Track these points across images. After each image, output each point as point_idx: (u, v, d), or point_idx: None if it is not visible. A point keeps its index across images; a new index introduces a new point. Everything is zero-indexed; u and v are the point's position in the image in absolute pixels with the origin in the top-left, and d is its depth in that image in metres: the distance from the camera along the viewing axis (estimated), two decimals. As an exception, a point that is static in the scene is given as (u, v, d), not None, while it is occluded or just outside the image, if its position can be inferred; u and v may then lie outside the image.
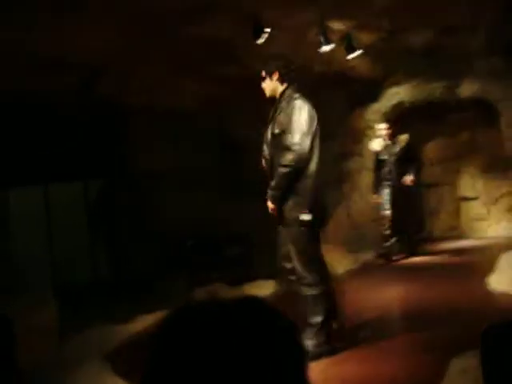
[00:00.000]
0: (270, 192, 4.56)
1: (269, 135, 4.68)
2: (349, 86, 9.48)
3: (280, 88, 4.68)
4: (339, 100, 9.73)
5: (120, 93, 8.04)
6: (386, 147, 9.36)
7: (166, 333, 0.89)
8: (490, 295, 6.31)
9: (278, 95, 4.69)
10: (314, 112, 4.57)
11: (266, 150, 4.71)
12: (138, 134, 8.94)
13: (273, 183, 4.54)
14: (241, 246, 8.92)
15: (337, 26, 7.52)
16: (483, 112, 10.35)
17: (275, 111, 4.67)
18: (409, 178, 9.31)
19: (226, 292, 6.77)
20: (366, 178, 10.14)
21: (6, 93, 7.28)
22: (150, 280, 8.03)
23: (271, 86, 4.71)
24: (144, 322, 6.04)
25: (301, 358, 0.91)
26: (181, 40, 7.05)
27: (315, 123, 4.55)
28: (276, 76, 4.68)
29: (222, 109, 9.22)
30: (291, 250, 4.60)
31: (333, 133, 9.56)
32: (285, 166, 4.43)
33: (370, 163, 10.02)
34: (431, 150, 11.32)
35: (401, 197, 9.30)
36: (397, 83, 9.62)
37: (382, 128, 9.38)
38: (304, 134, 4.43)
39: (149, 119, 8.74)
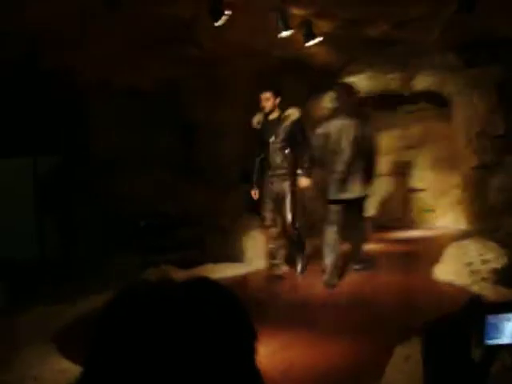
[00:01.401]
0: None
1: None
2: (307, 72, 9.49)
3: None
4: (298, 87, 9.75)
5: (76, 68, 7.86)
6: (267, 124, 6.97)
7: (111, 313, 0.87)
8: (435, 285, 6.46)
9: None
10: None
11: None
12: (94, 112, 8.77)
13: None
14: (193, 228, 8.87)
15: (296, 11, 7.51)
16: (436, 105, 10.56)
17: None
18: (304, 181, 6.98)
19: (177, 274, 6.74)
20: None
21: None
22: (100, 260, 7.93)
23: None
24: (93, 302, 5.96)
25: (250, 341, 0.90)
26: (141, 17, 6.93)
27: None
28: None
29: (180, 90, 9.12)
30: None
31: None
32: None
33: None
34: (383, 140, 11.49)
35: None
36: (353, 73, 9.69)
37: (265, 97, 6.91)
38: None
39: (106, 97, 8.58)
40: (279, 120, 6.94)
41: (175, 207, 8.80)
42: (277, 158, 6.95)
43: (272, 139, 6.93)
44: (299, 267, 7.33)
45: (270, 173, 7.03)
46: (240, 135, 9.18)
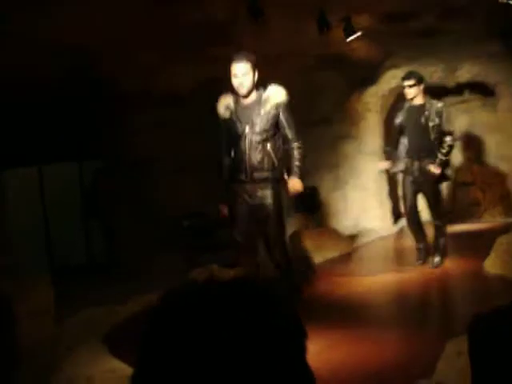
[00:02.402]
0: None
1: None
2: (347, 68, 9.42)
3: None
4: (337, 83, 9.68)
5: (116, 76, 7.98)
6: (242, 110, 5.15)
7: (161, 313, 0.87)
8: (485, 278, 6.33)
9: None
10: None
11: None
12: (134, 117, 8.89)
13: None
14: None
15: (336, 8, 7.45)
16: (481, 95, 10.34)
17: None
18: (296, 183, 5.02)
19: (222, 272, 6.77)
20: (362, 162, 10.13)
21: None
22: (146, 261, 8.03)
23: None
24: (140, 303, 6.04)
25: (300, 338, 0.89)
26: (178, 23, 6.99)
27: None
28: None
29: (217, 93, 9.15)
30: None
31: (331, 115, 9.53)
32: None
33: (366, 147, 9.99)
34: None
35: None
36: (395, 66, 9.56)
37: (241, 71, 5.16)
38: None
39: (145, 103, 8.69)
40: (258, 103, 4.99)
41: (215, 208, 8.84)
42: (254, 157, 4.94)
43: (247, 130, 4.94)
44: None
45: (243, 177, 5.03)
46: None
